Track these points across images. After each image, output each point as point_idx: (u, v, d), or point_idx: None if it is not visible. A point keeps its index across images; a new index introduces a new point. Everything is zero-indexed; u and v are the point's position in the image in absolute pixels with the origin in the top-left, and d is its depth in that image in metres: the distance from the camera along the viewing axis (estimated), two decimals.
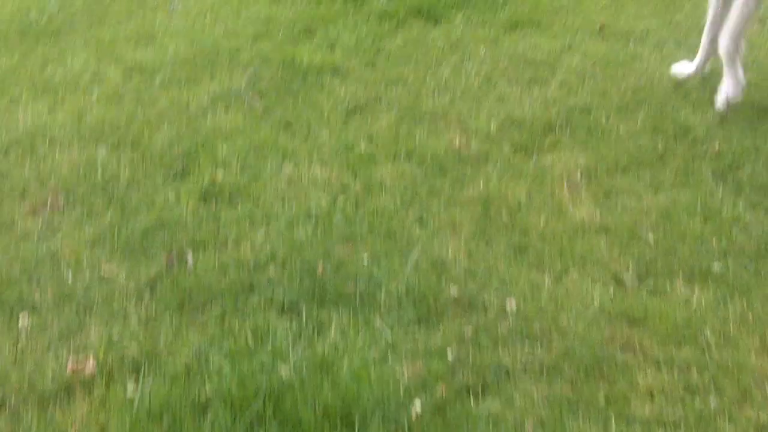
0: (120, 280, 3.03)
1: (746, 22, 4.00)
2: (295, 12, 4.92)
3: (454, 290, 2.95)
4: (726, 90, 4.02)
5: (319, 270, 3.04)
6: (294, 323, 2.83)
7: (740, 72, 4.01)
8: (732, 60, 4.01)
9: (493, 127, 3.88)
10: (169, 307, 2.91)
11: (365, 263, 3.08)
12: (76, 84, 4.30)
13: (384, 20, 4.80)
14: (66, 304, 2.93)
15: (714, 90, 4.07)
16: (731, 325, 2.82)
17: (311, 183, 3.53)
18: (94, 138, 3.85)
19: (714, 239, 3.19)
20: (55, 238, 3.25)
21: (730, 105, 3.97)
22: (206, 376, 2.56)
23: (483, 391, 2.59)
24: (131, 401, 2.48)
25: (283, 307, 2.90)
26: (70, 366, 2.65)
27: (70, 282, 3.02)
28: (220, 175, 3.58)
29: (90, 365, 2.65)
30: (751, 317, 2.86)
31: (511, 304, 2.88)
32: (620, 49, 4.55)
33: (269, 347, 2.72)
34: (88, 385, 2.57)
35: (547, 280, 3.01)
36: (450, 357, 2.69)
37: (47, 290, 2.99)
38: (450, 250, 3.15)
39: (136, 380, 2.57)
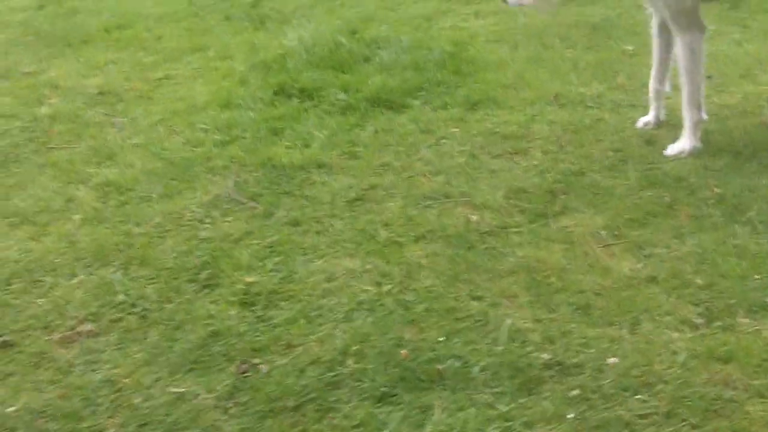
0: (194, 395, 2.86)
1: (696, 81, 4.26)
2: (254, 114, 4.86)
3: (544, 356, 2.93)
4: (682, 145, 4.25)
5: (403, 354, 2.96)
6: (396, 411, 2.74)
7: (698, 135, 4.28)
8: (695, 126, 4.25)
9: (499, 199, 3.93)
10: (261, 414, 2.76)
11: (441, 342, 3.03)
12: (50, 210, 4.07)
13: (347, 113, 4.81)
14: (149, 428, 2.73)
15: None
16: None
17: (348, 275, 3.46)
18: (98, 261, 3.65)
19: (756, 275, 3.32)
20: (101, 364, 3.04)
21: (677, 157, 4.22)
22: None
23: None
24: None
25: (379, 397, 2.80)
26: None
27: (142, 405, 2.82)
28: (250, 279, 3.45)
29: None
30: None
31: (612, 361, 2.88)
32: (581, 114, 4.72)
33: None
34: None
35: (624, 334, 3.04)
36: (569, 418, 2.67)
37: (121, 418, 2.78)
38: (517, 320, 3.13)
39: None
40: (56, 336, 3.20)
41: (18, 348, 3.16)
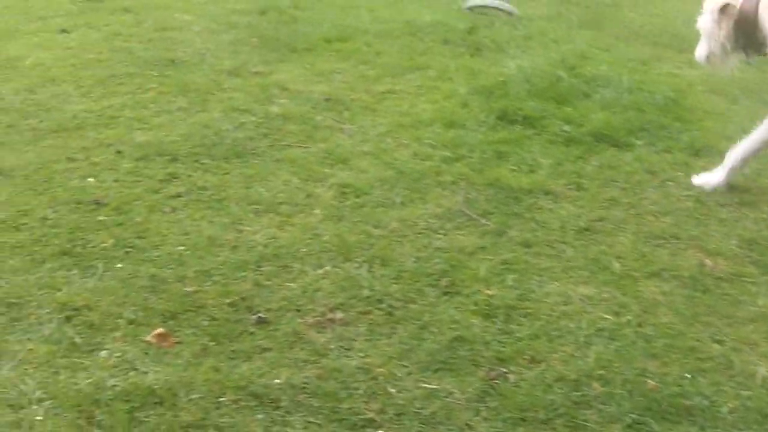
0: (447, 393, 2.99)
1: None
2: (479, 136, 5.01)
3: None
4: None
5: (650, 386, 3.02)
6: None
7: None
8: None
9: (732, 248, 3.94)
10: (512, 421, 2.88)
11: (686, 379, 3.07)
12: (292, 202, 4.30)
13: (570, 145, 4.91)
14: (406, 418, 2.88)
15: None
16: None
17: (585, 301, 3.54)
18: (341, 255, 3.84)
19: None
20: (354, 352, 3.22)
21: None
22: None
23: None
24: None
25: (628, 423, 2.88)
26: None
27: (397, 396, 2.98)
28: (489, 292, 3.58)
29: None
30: None
31: None
32: None
33: None
34: None
35: None
36: None
37: (378, 404, 2.94)
38: (763, 368, 3.15)
39: None
40: (309, 320, 3.40)
41: (273, 326, 3.37)
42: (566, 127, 5.06)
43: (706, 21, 4.58)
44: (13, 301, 3.52)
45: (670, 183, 4.58)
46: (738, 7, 4.43)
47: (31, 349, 3.24)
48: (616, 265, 3.80)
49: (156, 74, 6.06)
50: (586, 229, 4.11)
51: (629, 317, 3.44)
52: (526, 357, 3.20)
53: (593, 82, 5.69)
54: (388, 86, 5.91)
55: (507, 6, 7.42)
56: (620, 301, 3.55)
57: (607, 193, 4.45)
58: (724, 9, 4.46)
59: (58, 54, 6.46)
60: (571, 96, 5.49)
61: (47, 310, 3.46)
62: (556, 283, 3.67)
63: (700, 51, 4.67)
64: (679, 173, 4.67)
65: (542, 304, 3.52)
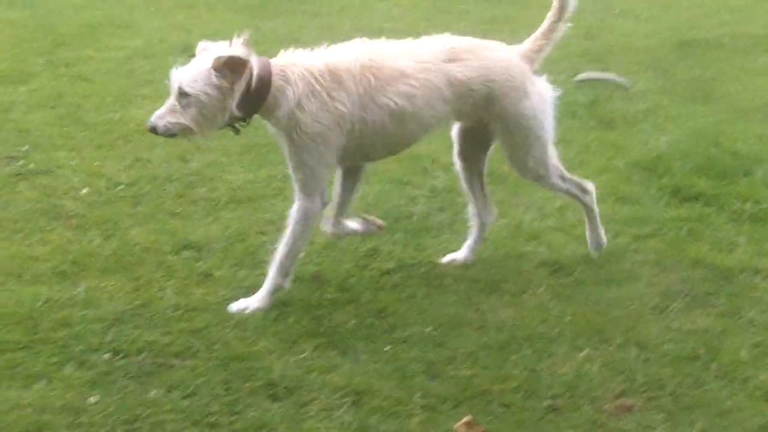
0: None
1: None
2: (662, 213, 5.04)
3: None
4: None
5: None
6: None
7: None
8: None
9: None
10: None
11: None
12: (511, 280, 4.34)
13: (757, 222, 4.93)
14: None
15: None
16: None
17: None
18: (595, 336, 3.89)
19: None
20: None
21: None
22: None
23: None
24: None
25: None
26: None
27: None
28: (763, 377, 3.61)
29: None
30: None
31: None
32: None
33: None
34: None
35: None
36: None
37: None
38: None
39: None
40: (603, 407, 3.40)
41: (568, 414, 3.39)
42: (746, 205, 5.10)
43: (200, 77, 3.78)
44: (289, 385, 3.49)
45: None
46: (253, 66, 3.81)
47: None
48: None
49: None
50: None
51: None
52: None
53: (746, 159, 5.75)
54: None
55: (621, 79, 7.49)
56: None
57: None
58: (237, 66, 3.77)
59: None
60: (731, 172, 5.53)
61: (332, 396, 3.42)
62: None
63: (178, 117, 3.82)
64: None
65: None
